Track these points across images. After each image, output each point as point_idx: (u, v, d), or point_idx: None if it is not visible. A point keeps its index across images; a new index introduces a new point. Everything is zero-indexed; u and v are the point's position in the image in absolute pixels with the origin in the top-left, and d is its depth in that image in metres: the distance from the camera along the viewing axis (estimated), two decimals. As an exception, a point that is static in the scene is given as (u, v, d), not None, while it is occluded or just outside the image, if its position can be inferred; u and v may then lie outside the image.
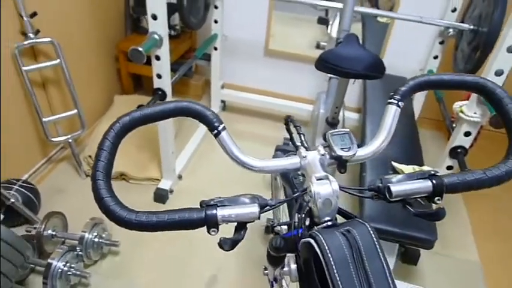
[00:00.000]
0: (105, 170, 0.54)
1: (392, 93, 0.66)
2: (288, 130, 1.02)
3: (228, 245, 0.56)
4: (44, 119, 1.82)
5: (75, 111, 1.93)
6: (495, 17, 1.39)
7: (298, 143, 0.82)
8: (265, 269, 1.07)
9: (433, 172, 0.59)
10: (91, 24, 2.15)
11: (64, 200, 1.90)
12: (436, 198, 0.58)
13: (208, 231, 0.54)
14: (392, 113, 0.65)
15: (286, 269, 0.88)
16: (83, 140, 2.20)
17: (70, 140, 1.95)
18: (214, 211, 0.54)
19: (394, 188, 0.58)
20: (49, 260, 1.40)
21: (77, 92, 1.90)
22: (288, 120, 1.02)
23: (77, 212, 1.70)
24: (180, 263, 1.67)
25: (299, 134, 0.91)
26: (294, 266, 0.79)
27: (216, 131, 0.60)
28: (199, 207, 0.55)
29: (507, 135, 0.62)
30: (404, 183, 0.59)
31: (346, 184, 0.60)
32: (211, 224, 0.54)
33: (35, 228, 1.56)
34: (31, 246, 1.48)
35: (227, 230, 0.58)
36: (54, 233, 1.59)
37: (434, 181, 0.58)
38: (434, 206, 0.64)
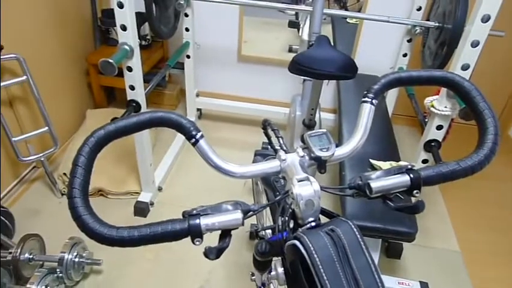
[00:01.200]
0: (82, 187, 0.52)
1: (365, 92, 0.67)
2: (266, 134, 1.02)
3: (213, 253, 0.55)
4: (13, 139, 1.75)
5: (46, 128, 1.87)
6: (458, 14, 1.44)
7: (277, 147, 0.83)
8: (253, 274, 1.06)
9: (410, 166, 0.61)
10: (58, 39, 2.10)
11: (40, 221, 1.83)
12: (415, 191, 0.60)
13: (193, 241, 0.53)
14: (367, 111, 0.66)
15: (273, 273, 0.88)
16: (57, 157, 2.13)
17: (42, 159, 1.89)
18: (197, 220, 0.53)
19: (374, 185, 0.59)
20: (28, 285, 1.35)
21: (47, 109, 1.85)
22: (265, 124, 1.02)
23: (54, 233, 1.64)
24: (167, 278, 1.64)
25: (277, 137, 0.91)
26: (281, 270, 0.79)
27: (194, 139, 0.60)
28: (181, 217, 0.54)
29: (477, 126, 0.64)
30: (383, 179, 0.60)
31: (326, 184, 0.61)
32: (195, 233, 0.53)
33: (10, 253, 1.49)
34: (7, 273, 1.42)
35: (212, 239, 0.58)
36: (31, 256, 1.53)
37: (411, 175, 0.59)
38: (413, 199, 0.65)
